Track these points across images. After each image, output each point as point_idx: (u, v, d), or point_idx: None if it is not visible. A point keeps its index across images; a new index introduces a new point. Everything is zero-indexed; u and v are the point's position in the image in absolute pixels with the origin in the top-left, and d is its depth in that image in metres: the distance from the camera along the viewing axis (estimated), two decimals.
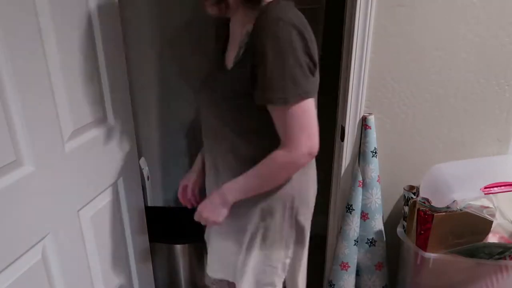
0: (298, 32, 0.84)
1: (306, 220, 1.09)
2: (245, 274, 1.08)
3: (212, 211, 1.01)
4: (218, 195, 0.99)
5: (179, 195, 1.25)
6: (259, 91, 0.88)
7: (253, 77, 0.88)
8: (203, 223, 1.06)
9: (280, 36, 0.82)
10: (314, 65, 0.91)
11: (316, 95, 0.95)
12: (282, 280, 1.14)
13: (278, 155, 0.92)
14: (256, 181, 0.96)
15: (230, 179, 0.98)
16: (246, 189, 0.97)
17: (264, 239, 1.06)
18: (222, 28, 1.06)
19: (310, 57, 0.89)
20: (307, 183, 1.08)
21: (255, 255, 1.08)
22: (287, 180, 1.00)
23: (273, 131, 0.93)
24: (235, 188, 0.97)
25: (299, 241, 1.10)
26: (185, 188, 1.23)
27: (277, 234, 1.06)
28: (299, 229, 1.08)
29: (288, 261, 1.11)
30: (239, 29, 0.95)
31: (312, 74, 0.90)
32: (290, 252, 1.10)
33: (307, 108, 0.90)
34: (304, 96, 0.87)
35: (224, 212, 1.00)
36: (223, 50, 1.03)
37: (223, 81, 0.97)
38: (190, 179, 1.22)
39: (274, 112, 0.90)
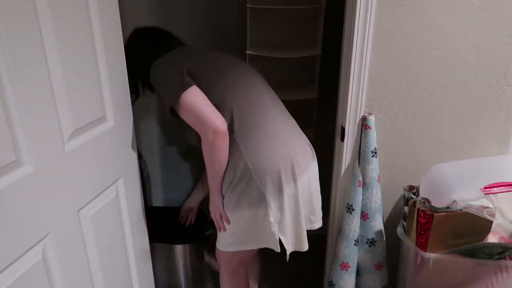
0: (162, 60, 1.29)
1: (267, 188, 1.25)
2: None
3: (213, 209, 1.34)
4: (210, 192, 1.34)
5: (183, 218, 1.83)
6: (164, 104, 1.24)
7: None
8: (213, 215, 1.36)
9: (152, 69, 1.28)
10: (181, 74, 1.21)
11: (194, 83, 1.21)
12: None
13: (203, 145, 1.23)
14: (210, 169, 1.27)
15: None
16: (211, 176, 1.29)
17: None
18: None
19: (178, 64, 1.24)
20: (257, 159, 1.25)
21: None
22: (239, 157, 1.24)
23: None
24: (209, 180, 1.31)
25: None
26: (187, 211, 1.81)
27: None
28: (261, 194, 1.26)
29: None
30: None
31: (181, 74, 1.20)
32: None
33: (188, 100, 1.18)
34: (179, 93, 1.17)
35: (218, 202, 1.31)
36: None
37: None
38: (191, 202, 1.83)
39: (179, 114, 1.23)
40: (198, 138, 1.25)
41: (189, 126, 1.25)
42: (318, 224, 1.41)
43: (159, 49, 1.33)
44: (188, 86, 1.18)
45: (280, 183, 1.23)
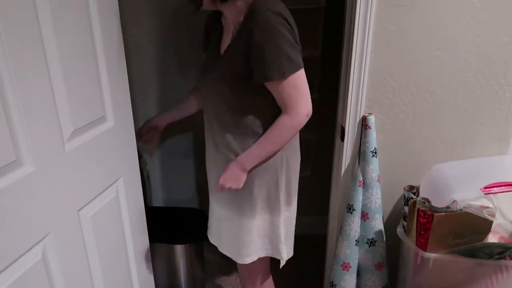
0: (283, 19, 1.03)
1: (289, 184, 1.25)
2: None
3: (234, 180, 1.18)
4: (236, 165, 1.17)
5: (143, 129, 1.52)
6: (258, 72, 1.06)
7: (247, 61, 1.06)
8: (222, 191, 1.23)
9: (270, 24, 1.01)
10: (298, 44, 1.09)
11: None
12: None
13: (284, 120, 1.10)
14: (268, 146, 1.15)
15: (227, 155, 1.19)
16: (260, 154, 1.16)
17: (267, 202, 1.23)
18: (215, 22, 1.23)
19: (295, 39, 1.07)
20: (294, 149, 1.25)
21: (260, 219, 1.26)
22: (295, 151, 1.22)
23: (265, 110, 1.13)
24: (251, 155, 1.16)
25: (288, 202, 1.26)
26: (153, 128, 1.51)
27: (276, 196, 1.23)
28: (289, 190, 1.25)
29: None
30: (232, 20, 1.12)
31: (298, 51, 1.07)
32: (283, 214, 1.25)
33: (301, 77, 1.08)
34: (297, 69, 1.05)
35: (243, 178, 1.18)
36: (219, 41, 1.20)
37: (218, 66, 1.15)
38: (161, 120, 1.51)
39: (275, 86, 1.07)
40: (266, 111, 1.14)
41: (241, 94, 1.13)
42: None
43: None
44: (302, 65, 1.08)
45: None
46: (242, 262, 1.29)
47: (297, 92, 1.07)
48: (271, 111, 1.13)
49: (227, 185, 1.18)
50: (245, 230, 1.25)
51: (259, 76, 1.06)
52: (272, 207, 1.24)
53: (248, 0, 1.06)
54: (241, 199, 1.23)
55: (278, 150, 1.18)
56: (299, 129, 1.14)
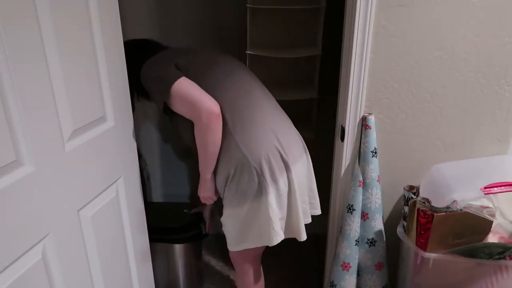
0: (151, 62, 1.32)
1: (266, 176, 1.26)
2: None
3: (203, 189, 1.37)
4: (200, 177, 1.36)
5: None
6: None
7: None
8: (204, 201, 1.43)
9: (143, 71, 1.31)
10: (170, 61, 1.29)
11: (183, 75, 1.25)
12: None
13: (196, 130, 1.25)
14: (203, 150, 1.28)
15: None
16: (203, 161, 1.30)
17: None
18: None
19: (168, 66, 1.27)
20: (254, 147, 1.27)
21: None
22: (235, 149, 1.25)
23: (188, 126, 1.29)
24: (200, 165, 1.33)
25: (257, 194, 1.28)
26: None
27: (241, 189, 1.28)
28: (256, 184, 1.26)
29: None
30: None
31: (169, 72, 1.25)
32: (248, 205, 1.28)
33: (179, 89, 1.22)
34: (169, 86, 1.21)
35: (210, 185, 1.35)
36: None
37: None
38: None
39: (172, 108, 1.27)
40: (192, 134, 1.27)
41: (182, 121, 1.28)
42: (319, 210, 1.44)
43: (147, 56, 1.35)
44: (177, 77, 1.22)
45: (275, 170, 1.25)
46: (229, 249, 1.39)
47: (185, 103, 1.22)
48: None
49: (201, 195, 1.39)
50: (228, 219, 1.33)
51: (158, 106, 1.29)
52: (257, 194, 1.25)
53: None
54: (226, 193, 1.31)
55: (215, 148, 1.26)
56: (211, 128, 1.22)
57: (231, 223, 1.33)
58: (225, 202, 1.32)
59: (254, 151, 1.25)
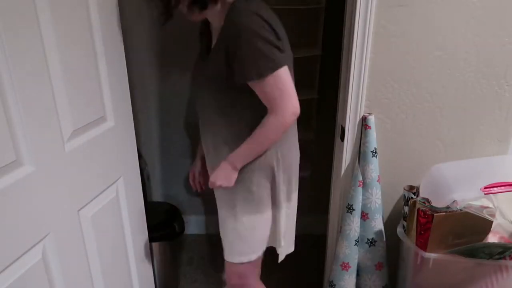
0: (261, 18, 1.02)
1: (288, 181, 1.26)
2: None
3: (225, 178, 1.20)
4: (227, 164, 1.18)
5: (190, 181, 1.50)
6: (238, 73, 1.06)
7: (228, 62, 1.07)
8: (212, 186, 1.25)
9: (246, 25, 1.02)
10: (279, 40, 1.07)
11: (289, 64, 1.12)
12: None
13: (270, 120, 1.10)
14: (255, 146, 1.16)
15: (222, 155, 1.20)
16: (248, 154, 1.17)
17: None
18: (206, 28, 1.25)
19: (278, 38, 1.06)
20: (289, 146, 1.25)
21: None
22: (274, 145, 1.18)
23: (251, 108, 1.13)
24: (239, 155, 1.17)
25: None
26: (193, 174, 1.49)
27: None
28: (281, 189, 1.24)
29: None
30: (216, 25, 1.14)
31: (278, 48, 1.06)
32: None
33: (282, 77, 1.07)
34: (275, 68, 1.04)
35: (234, 176, 1.19)
36: (210, 44, 1.22)
37: (204, 68, 1.18)
38: (196, 167, 1.47)
39: (256, 86, 1.08)
40: (243, 111, 1.16)
41: (242, 95, 1.13)
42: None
43: None
44: (283, 63, 1.07)
45: (292, 183, 1.27)
46: (233, 261, 1.29)
47: (280, 91, 1.07)
48: (260, 109, 1.12)
49: (218, 183, 1.20)
50: (246, 228, 1.25)
51: (239, 77, 1.07)
52: (272, 204, 1.25)
53: (226, 2, 1.07)
54: (240, 198, 1.23)
55: (266, 149, 1.18)
56: (286, 128, 1.13)
57: (247, 229, 1.25)
58: (245, 206, 1.24)
59: (289, 156, 1.25)
